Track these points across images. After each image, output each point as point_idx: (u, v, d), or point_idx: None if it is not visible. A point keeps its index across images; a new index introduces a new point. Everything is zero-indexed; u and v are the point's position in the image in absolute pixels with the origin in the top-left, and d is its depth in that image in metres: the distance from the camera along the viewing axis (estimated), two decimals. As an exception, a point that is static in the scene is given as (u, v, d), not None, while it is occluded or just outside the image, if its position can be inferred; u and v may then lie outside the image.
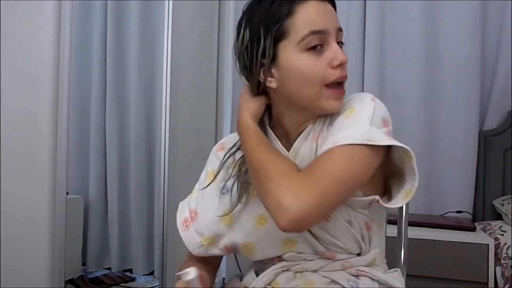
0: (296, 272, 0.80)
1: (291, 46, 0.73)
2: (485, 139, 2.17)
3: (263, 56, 0.75)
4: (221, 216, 0.83)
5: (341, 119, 0.74)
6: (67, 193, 1.59)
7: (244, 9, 0.79)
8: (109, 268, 2.74)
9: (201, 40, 2.34)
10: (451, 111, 2.18)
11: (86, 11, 2.76)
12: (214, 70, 2.51)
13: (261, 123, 0.82)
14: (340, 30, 0.75)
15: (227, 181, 0.85)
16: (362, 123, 0.70)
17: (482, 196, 2.16)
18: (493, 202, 2.09)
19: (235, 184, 0.83)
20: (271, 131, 0.83)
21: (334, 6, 0.77)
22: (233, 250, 0.85)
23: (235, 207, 0.82)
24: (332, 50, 0.73)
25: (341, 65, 0.73)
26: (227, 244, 0.84)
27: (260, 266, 0.86)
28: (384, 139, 0.68)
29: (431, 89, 2.23)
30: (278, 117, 0.82)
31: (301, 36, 0.72)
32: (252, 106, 0.80)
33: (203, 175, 0.92)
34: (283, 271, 0.81)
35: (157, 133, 2.50)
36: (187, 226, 0.86)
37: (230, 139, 0.91)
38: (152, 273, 2.71)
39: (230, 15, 2.55)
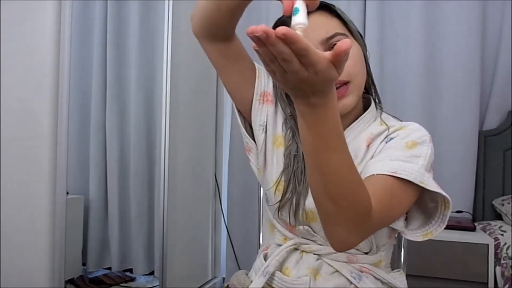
0: (302, 251, 0.84)
1: None
2: (485, 139, 2.17)
3: None
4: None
5: (401, 145, 0.77)
6: (67, 193, 1.59)
7: None
8: (109, 268, 2.74)
9: (201, 40, 2.34)
10: (451, 111, 2.18)
11: (86, 11, 2.76)
12: (214, 70, 2.51)
13: None
14: (328, 39, 0.77)
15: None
16: (419, 163, 0.74)
17: (482, 196, 2.16)
18: (493, 202, 2.09)
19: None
20: None
21: (330, 11, 0.79)
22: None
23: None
24: None
25: None
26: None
27: (268, 238, 0.89)
28: (434, 185, 0.73)
29: (431, 89, 2.23)
30: None
31: None
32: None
33: None
34: (294, 249, 0.84)
35: (157, 133, 2.51)
36: (263, 100, 0.87)
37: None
38: (152, 273, 2.71)
39: (230, 15, 2.55)
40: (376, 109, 0.88)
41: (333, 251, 0.80)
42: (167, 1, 2.01)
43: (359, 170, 0.75)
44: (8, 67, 1.45)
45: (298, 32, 0.51)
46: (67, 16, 1.52)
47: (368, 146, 0.81)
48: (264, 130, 0.86)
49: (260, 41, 0.47)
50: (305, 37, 0.62)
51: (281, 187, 0.82)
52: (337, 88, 0.75)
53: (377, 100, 0.89)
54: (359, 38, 0.82)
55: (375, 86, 0.89)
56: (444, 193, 0.74)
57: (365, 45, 0.84)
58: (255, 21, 2.54)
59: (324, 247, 0.82)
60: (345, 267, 0.81)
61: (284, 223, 0.85)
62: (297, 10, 0.54)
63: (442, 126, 2.20)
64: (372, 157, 0.80)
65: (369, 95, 0.89)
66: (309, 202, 0.79)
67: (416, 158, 0.74)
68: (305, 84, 0.51)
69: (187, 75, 2.20)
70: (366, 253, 0.83)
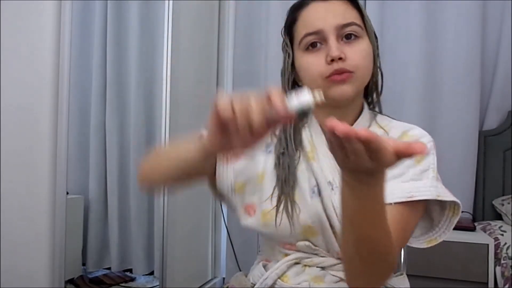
0: (305, 265, 0.81)
1: (296, 49, 0.82)
2: (485, 139, 2.17)
3: (289, 58, 0.83)
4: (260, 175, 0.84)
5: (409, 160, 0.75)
6: (67, 193, 1.59)
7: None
8: (109, 268, 2.74)
9: (201, 40, 2.34)
10: (451, 111, 2.18)
11: (86, 11, 2.76)
12: (214, 70, 2.51)
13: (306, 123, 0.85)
14: (345, 26, 0.77)
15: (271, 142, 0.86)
16: (429, 176, 0.75)
17: (482, 196, 2.16)
18: (493, 202, 2.09)
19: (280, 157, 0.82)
20: (319, 126, 0.84)
21: (351, 1, 0.80)
22: (252, 210, 0.84)
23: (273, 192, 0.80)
24: (327, 47, 0.77)
25: (337, 60, 0.75)
26: (248, 203, 0.84)
27: (268, 254, 0.87)
28: (448, 194, 0.75)
29: (431, 89, 2.23)
30: (315, 117, 0.86)
31: (299, 39, 0.80)
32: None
33: None
34: (295, 263, 0.82)
35: (157, 133, 2.50)
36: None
37: None
38: (152, 273, 2.71)
39: (230, 15, 2.55)
40: (370, 110, 0.86)
41: (336, 262, 0.79)
42: (167, 1, 2.01)
43: None
44: (8, 67, 1.44)
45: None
46: (67, 16, 1.52)
47: None
48: (233, 189, 0.85)
49: (337, 136, 0.47)
50: (321, 20, 0.75)
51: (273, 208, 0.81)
52: (339, 73, 0.76)
53: (375, 100, 0.86)
54: (373, 36, 0.81)
55: (377, 90, 0.85)
56: (456, 200, 0.75)
57: (377, 47, 0.83)
58: (255, 21, 2.54)
59: (327, 259, 0.80)
60: None
61: (282, 244, 0.84)
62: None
63: (442, 126, 2.20)
64: None
65: (364, 99, 0.86)
66: (305, 217, 0.78)
67: (426, 173, 0.75)
68: (364, 168, 0.51)
69: (187, 75, 2.20)
70: None
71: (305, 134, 0.84)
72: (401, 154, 0.48)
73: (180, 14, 2.06)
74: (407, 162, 0.75)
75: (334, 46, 0.76)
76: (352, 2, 0.80)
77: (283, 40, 0.86)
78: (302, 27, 0.80)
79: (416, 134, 0.80)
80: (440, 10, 2.23)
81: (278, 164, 0.81)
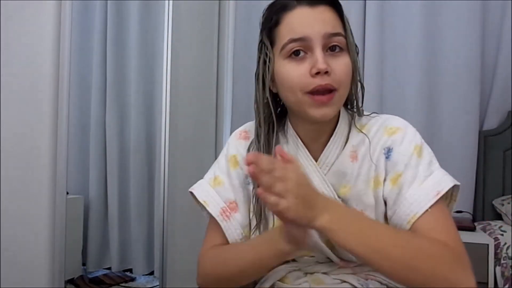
0: (306, 273, 0.81)
1: (277, 54, 0.75)
2: (485, 139, 2.17)
3: (264, 63, 0.77)
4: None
5: (411, 157, 0.74)
6: (67, 193, 1.58)
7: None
8: (109, 268, 2.75)
9: (201, 39, 2.34)
10: (451, 111, 2.18)
11: (86, 11, 2.76)
12: (214, 70, 2.51)
13: (283, 130, 0.83)
14: (332, 35, 0.72)
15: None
16: (437, 166, 0.75)
17: (482, 196, 2.16)
18: (493, 202, 2.09)
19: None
20: (298, 138, 0.81)
21: (337, 9, 0.75)
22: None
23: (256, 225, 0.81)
24: (313, 58, 0.71)
25: (322, 73, 0.70)
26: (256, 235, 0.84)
27: None
28: (453, 180, 0.74)
29: (431, 89, 2.23)
30: (293, 127, 0.82)
31: (282, 44, 0.74)
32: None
33: (223, 160, 0.88)
34: (295, 270, 0.82)
35: (157, 133, 2.50)
36: (227, 216, 0.83)
37: (253, 129, 0.84)
38: (152, 273, 2.71)
39: (230, 15, 2.55)
40: (347, 113, 0.82)
41: (338, 265, 0.79)
42: (167, 1, 2.01)
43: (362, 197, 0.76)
44: (8, 67, 1.44)
45: None
46: (67, 16, 1.51)
47: (353, 160, 0.78)
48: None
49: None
50: (308, 27, 0.71)
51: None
52: (321, 94, 0.71)
53: (355, 111, 0.81)
54: (354, 50, 0.76)
55: (357, 103, 0.81)
56: (457, 183, 0.74)
57: (357, 53, 0.78)
58: (255, 21, 2.54)
59: (327, 264, 0.80)
60: (352, 277, 0.79)
61: None
62: None
63: (442, 126, 2.20)
64: (375, 173, 0.77)
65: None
66: None
67: (431, 164, 0.75)
68: (291, 198, 0.59)
69: (187, 75, 2.20)
70: None
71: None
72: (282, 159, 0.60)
73: (180, 14, 2.06)
74: (412, 162, 0.74)
75: (321, 58, 0.71)
76: (338, 10, 0.76)
77: (261, 42, 0.79)
78: (286, 32, 0.73)
79: (398, 126, 0.78)
80: (440, 11, 2.23)
81: (255, 189, 0.79)
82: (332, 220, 0.62)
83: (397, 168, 0.75)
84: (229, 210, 0.83)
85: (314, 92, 0.72)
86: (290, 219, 0.60)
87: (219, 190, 0.85)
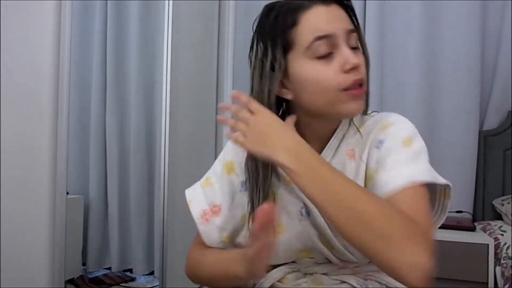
0: (306, 273, 0.81)
1: (299, 55, 0.72)
2: (485, 139, 2.17)
3: (272, 69, 0.73)
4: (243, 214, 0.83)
5: (398, 147, 0.72)
6: (67, 193, 1.58)
7: (254, 25, 0.78)
8: (109, 268, 2.74)
9: (201, 39, 2.34)
10: (451, 111, 2.18)
11: (86, 11, 2.76)
12: (214, 70, 2.51)
13: None
14: (351, 31, 0.72)
15: (246, 179, 0.82)
16: (423, 159, 0.72)
17: (482, 196, 2.15)
18: (493, 202, 2.09)
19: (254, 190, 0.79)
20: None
21: (347, 7, 0.75)
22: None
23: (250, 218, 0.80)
24: (342, 54, 0.71)
25: (355, 69, 0.71)
26: (241, 242, 0.84)
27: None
28: (441, 178, 0.72)
29: (431, 89, 2.23)
30: (296, 128, 0.78)
31: (307, 44, 0.71)
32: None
33: (218, 165, 0.88)
34: (294, 271, 0.82)
35: (157, 133, 2.50)
36: (207, 219, 0.84)
37: None
38: (152, 273, 2.71)
39: (230, 15, 2.55)
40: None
41: (337, 266, 0.79)
42: (167, 1, 2.01)
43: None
44: (8, 67, 1.44)
45: None
46: (67, 16, 1.51)
47: (354, 160, 0.78)
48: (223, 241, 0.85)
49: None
50: (332, 24, 0.72)
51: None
52: (357, 87, 0.71)
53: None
54: (367, 48, 0.77)
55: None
56: (448, 182, 0.72)
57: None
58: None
59: (326, 265, 0.80)
60: (351, 277, 0.79)
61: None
62: None
63: (442, 126, 2.20)
64: (366, 168, 0.76)
65: None
66: (296, 242, 0.79)
67: (418, 156, 0.72)
68: (249, 135, 0.69)
69: (187, 75, 2.20)
70: (369, 262, 0.80)
71: None
72: None
73: (180, 14, 2.06)
74: (398, 150, 0.72)
75: (351, 53, 0.70)
76: (351, 10, 0.75)
77: (260, 46, 0.75)
78: (310, 30, 0.70)
79: (394, 121, 0.77)
80: (440, 11, 2.23)
81: (251, 196, 0.78)
82: (292, 160, 0.65)
83: (382, 154, 0.73)
84: (210, 213, 0.84)
85: (349, 87, 0.71)
86: (251, 152, 0.70)
87: (207, 191, 0.86)
